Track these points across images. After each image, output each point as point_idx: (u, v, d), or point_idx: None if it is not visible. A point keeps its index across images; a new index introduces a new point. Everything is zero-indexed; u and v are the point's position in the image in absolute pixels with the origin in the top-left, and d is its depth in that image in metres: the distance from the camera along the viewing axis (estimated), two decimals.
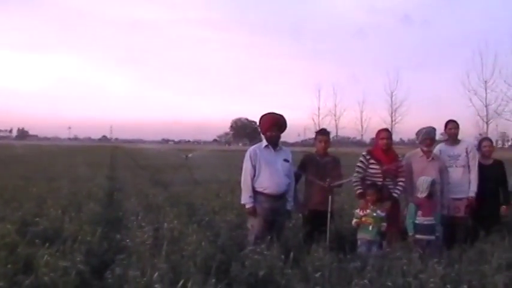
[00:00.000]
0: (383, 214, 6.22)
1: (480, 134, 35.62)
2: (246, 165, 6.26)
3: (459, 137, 7.29)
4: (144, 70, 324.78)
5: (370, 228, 6.18)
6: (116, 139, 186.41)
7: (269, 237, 5.75)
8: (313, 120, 59.95)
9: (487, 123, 38.23)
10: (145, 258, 5.20)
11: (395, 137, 61.37)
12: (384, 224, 6.20)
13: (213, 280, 4.56)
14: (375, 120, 54.20)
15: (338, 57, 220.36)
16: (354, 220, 6.33)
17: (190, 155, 40.47)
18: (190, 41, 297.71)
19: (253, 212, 6.16)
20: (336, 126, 59.57)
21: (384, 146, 6.56)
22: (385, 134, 6.65)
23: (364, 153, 6.73)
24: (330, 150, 7.09)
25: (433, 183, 6.34)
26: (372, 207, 6.24)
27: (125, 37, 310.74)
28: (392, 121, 51.11)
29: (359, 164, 6.65)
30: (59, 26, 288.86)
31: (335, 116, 59.74)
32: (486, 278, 4.89)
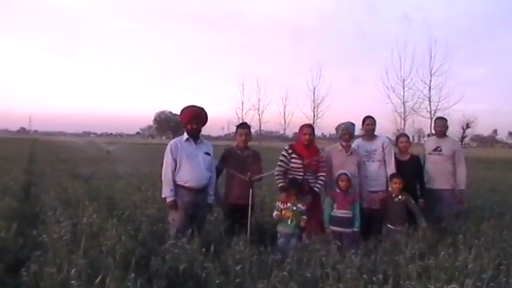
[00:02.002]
0: (303, 208, 6.32)
1: (398, 130, 36.72)
2: (167, 159, 6.20)
3: (378, 132, 7.50)
4: (66, 61, 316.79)
5: (289, 222, 6.29)
6: (35, 131, 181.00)
7: (190, 230, 5.75)
8: (237, 114, 59.78)
9: (404, 119, 39.40)
10: (63, 254, 5.08)
11: (318, 132, 62.41)
12: (304, 217, 6.31)
13: (133, 275, 4.50)
14: (298, 115, 54.69)
15: (262, 52, 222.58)
16: (275, 212, 6.40)
17: (111, 149, 39.66)
18: (114, 32, 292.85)
19: (174, 205, 6.11)
20: (260, 120, 59.64)
21: (306, 141, 6.64)
22: (308, 129, 6.72)
23: (286, 148, 6.80)
24: (253, 144, 7.13)
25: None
26: (292, 201, 6.34)
27: (47, 25, 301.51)
28: (314, 116, 51.75)
29: (281, 158, 6.72)
30: None
31: (258, 110, 59.73)
32: (400, 268, 5.09)
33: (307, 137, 6.65)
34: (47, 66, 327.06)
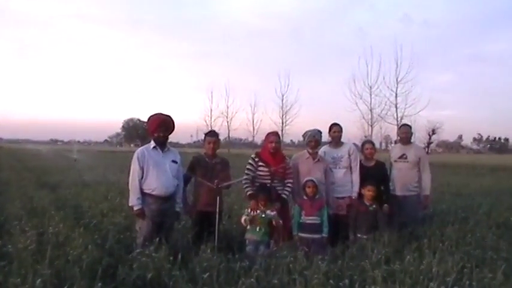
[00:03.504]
0: (272, 214, 6.35)
1: (365, 137, 37.10)
2: (134, 167, 6.17)
3: (346, 139, 7.60)
4: (32, 66, 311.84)
5: (257, 229, 6.31)
6: (0, 139, 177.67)
7: (157, 239, 5.72)
8: (206, 122, 59.39)
9: (371, 126, 39.79)
10: (28, 264, 5.00)
11: (286, 139, 62.62)
12: (280, 221, 6.35)
13: (99, 284, 4.49)
14: (266, 122, 54.71)
15: (231, 60, 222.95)
16: (243, 217, 6.41)
17: (77, 157, 39.18)
18: (83, 38, 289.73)
19: (141, 214, 6.07)
20: (228, 127, 59.37)
21: (272, 149, 6.68)
22: (274, 137, 6.77)
23: (252, 156, 6.83)
24: (222, 151, 7.13)
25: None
26: (261, 208, 6.37)
27: (13, 30, 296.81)
28: (283, 123, 51.94)
29: (248, 166, 6.75)
30: None
31: (227, 117, 59.48)
32: (366, 273, 5.16)
33: (273, 145, 6.69)
34: (12, 72, 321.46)
